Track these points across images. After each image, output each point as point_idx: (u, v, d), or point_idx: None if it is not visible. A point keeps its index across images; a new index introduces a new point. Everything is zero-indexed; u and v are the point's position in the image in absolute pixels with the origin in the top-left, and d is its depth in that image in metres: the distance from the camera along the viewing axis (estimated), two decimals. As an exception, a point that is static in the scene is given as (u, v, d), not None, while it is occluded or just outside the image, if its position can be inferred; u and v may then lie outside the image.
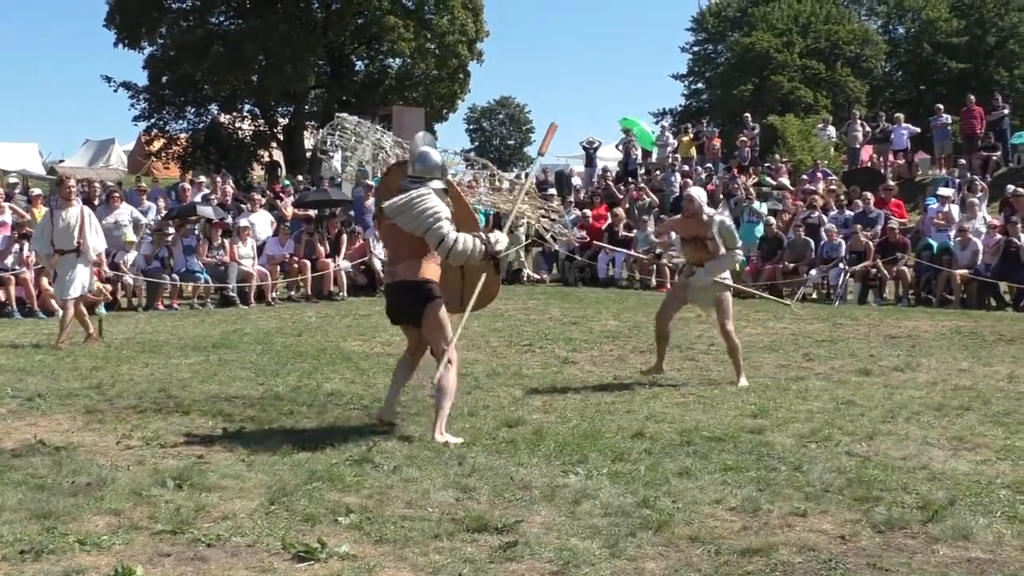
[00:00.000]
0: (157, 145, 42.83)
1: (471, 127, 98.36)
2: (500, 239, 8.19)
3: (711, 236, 10.27)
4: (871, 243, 19.45)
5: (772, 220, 21.13)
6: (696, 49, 65.26)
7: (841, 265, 19.29)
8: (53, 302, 16.43)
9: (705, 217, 10.41)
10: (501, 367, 11.36)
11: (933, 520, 5.76)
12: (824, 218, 21.03)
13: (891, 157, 29.24)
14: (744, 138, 29.89)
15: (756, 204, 22.32)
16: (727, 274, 10.54)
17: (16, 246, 17.09)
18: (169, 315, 17.02)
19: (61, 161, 52.10)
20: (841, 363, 11.73)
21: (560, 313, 16.77)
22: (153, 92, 41.27)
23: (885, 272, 19.06)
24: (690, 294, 10.69)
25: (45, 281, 16.54)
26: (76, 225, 12.85)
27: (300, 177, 30.38)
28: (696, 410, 9.06)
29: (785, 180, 25.96)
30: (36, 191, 20.51)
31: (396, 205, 7.83)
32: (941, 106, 30.14)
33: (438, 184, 8.05)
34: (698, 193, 10.73)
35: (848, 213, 21.41)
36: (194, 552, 5.22)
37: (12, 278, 16.43)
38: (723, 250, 10.34)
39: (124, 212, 19.00)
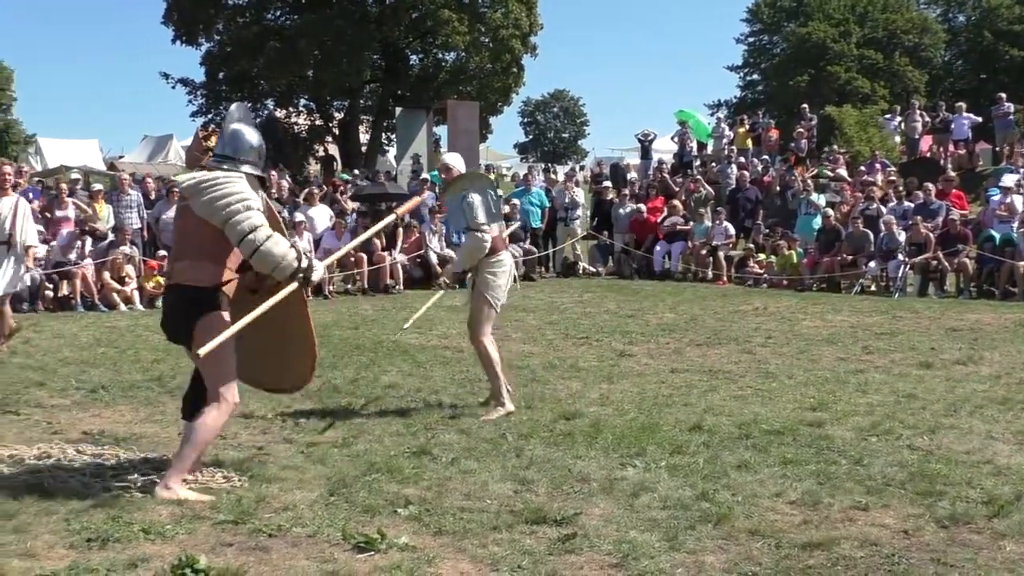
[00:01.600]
0: (214, 140, 43.17)
1: (525, 121, 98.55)
2: (318, 265, 6.39)
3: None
4: (931, 235, 19.20)
5: (830, 212, 20.91)
6: (751, 40, 64.86)
7: (900, 257, 19.05)
8: (115, 295, 16.65)
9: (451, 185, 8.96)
10: (558, 360, 11.34)
11: (999, 515, 5.67)
12: (883, 209, 20.78)
13: (951, 147, 28.84)
14: (801, 129, 29.62)
15: (814, 196, 22.11)
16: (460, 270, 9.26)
17: (78, 241, 17.30)
18: (227, 308, 17.14)
19: (121, 157, 52.82)
20: (901, 356, 11.60)
21: (616, 306, 16.72)
22: (210, 88, 41.75)
23: (946, 264, 18.80)
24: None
25: (107, 275, 16.75)
26: (8, 216, 11.59)
27: (356, 171, 30.54)
28: (754, 403, 9.00)
29: (843, 171, 25.68)
30: (97, 186, 20.76)
31: (194, 183, 6.17)
32: (1003, 95, 29.67)
33: (252, 170, 6.42)
34: (454, 160, 9.13)
35: (908, 204, 21.14)
36: (255, 542, 5.26)
37: (77, 272, 16.63)
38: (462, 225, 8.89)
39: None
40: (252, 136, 6.52)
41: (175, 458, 6.18)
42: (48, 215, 18.20)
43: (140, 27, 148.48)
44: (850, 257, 19.61)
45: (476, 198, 8.62)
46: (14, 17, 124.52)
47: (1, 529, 5.36)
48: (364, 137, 43.83)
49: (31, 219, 11.97)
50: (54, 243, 17.35)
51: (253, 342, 6.51)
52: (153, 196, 20.16)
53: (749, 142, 30.39)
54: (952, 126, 28.66)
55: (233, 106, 7.23)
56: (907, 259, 19.00)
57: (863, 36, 56.70)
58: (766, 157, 28.22)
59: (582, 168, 35.63)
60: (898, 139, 31.12)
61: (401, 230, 20.88)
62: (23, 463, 6.69)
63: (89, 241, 17.60)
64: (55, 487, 6.15)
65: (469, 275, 9.02)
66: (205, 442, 6.28)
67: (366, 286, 19.62)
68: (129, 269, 17.21)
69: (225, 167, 6.30)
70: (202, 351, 5.79)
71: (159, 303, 16.73)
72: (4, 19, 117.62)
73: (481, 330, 8.65)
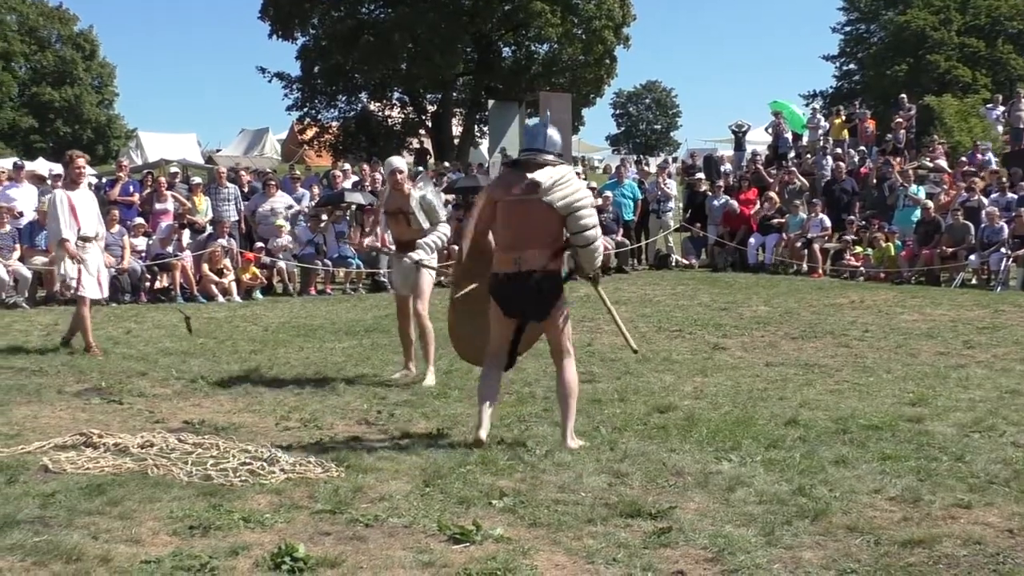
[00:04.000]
0: (309, 133, 43.88)
1: (617, 112, 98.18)
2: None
3: (412, 211, 9.58)
4: (1035, 227, 18.74)
5: (929, 204, 20.50)
6: (848, 29, 63.87)
7: (1003, 250, 18.62)
8: (214, 287, 16.93)
9: (407, 189, 9.63)
10: (651, 352, 11.29)
11: (1106, 514, 5.53)
12: (984, 201, 20.33)
13: (1057, 137, 28.09)
14: (899, 119, 29.08)
15: (913, 188, 21.70)
16: (433, 258, 9.73)
17: (175, 235, 17.61)
18: (322, 300, 17.36)
19: (218, 150, 53.75)
20: (1004, 351, 11.35)
21: (709, 299, 16.59)
22: (305, 82, 42.29)
23: (1050, 257, 18.35)
24: (395, 275, 10.28)
25: (206, 267, 17.05)
26: (92, 210, 11.60)
27: (447, 164, 30.69)
28: (851, 398, 8.88)
29: (943, 162, 25.17)
30: (196, 180, 21.13)
31: (550, 179, 6.88)
32: (1111, 83, 28.84)
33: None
34: (400, 163, 9.92)
35: (1011, 196, 20.64)
36: (353, 532, 5.33)
37: (176, 264, 16.94)
38: (426, 226, 9.55)
39: (280, 200, 19.44)
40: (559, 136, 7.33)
41: (565, 415, 7.09)
42: (148, 208, 18.58)
43: (237, 22, 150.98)
44: (950, 250, 19.21)
45: (434, 196, 9.74)
46: (116, 14, 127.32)
47: (107, 515, 5.50)
48: (457, 129, 44.04)
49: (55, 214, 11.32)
50: (154, 236, 17.71)
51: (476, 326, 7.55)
52: (247, 189, 20.44)
53: (845, 133, 29.92)
54: (1058, 115, 27.90)
55: (542, 109, 8.00)
56: (1010, 252, 18.56)
57: (964, 24, 55.48)
58: (863, 148, 27.74)
59: (675, 160, 35.37)
60: (1001, 129, 30.40)
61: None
62: (127, 451, 6.85)
63: (187, 233, 17.91)
64: (158, 475, 6.30)
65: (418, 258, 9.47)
66: (577, 390, 7.21)
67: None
68: (227, 261, 17.48)
69: (551, 158, 7.03)
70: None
71: (256, 294, 17.06)
72: (107, 16, 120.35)
73: (427, 303, 9.80)
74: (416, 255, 9.41)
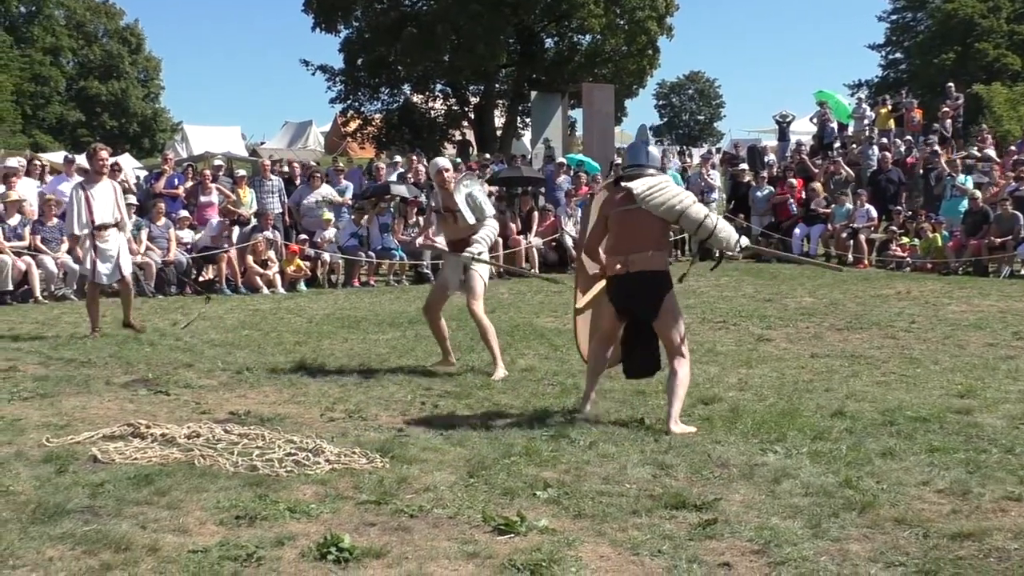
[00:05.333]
0: (353, 126, 44.01)
1: (660, 103, 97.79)
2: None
3: (459, 208, 9.71)
4: (1086, 217, 18.50)
5: (977, 194, 20.28)
6: (894, 17, 63.25)
7: (1052, 240, 18.41)
8: (258, 279, 17.03)
9: (452, 187, 9.78)
10: (695, 344, 11.20)
11: None
12: (1033, 191, 20.08)
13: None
14: (946, 109, 28.77)
15: (960, 178, 21.47)
16: (480, 248, 9.75)
17: (226, 232, 17.71)
18: (366, 292, 17.43)
19: (262, 143, 54.07)
20: (1054, 342, 11.22)
21: (754, 290, 16.51)
22: (349, 74, 42.43)
23: (1101, 247, 18.11)
24: (445, 274, 10.20)
25: (250, 259, 17.15)
26: (112, 200, 11.99)
27: (488, 155, 30.69)
28: (898, 389, 8.80)
29: (991, 151, 24.89)
30: (240, 172, 21.28)
31: (645, 188, 7.50)
32: None
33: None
34: (445, 163, 10.20)
35: (1061, 185, 20.39)
36: (398, 522, 5.34)
37: (222, 256, 17.05)
38: (472, 221, 9.74)
39: (324, 191, 19.54)
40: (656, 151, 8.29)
41: (671, 401, 7.43)
42: (192, 201, 18.72)
43: (281, 16, 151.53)
44: (998, 240, 19.00)
45: (479, 192, 9.96)
46: (161, 8, 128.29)
47: (155, 505, 5.55)
48: (499, 121, 44.03)
49: (71, 207, 11.91)
50: (202, 230, 17.81)
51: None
52: (298, 182, 20.54)
53: (891, 123, 29.65)
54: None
55: (641, 128, 8.81)
56: (1060, 242, 18.33)
57: (1014, 11, 54.75)
58: (909, 138, 27.49)
59: (718, 150, 35.18)
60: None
61: (536, 214, 20.92)
62: (174, 442, 6.90)
63: (236, 230, 18.00)
64: (204, 466, 6.35)
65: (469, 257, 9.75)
66: (687, 388, 7.64)
67: (502, 270, 19.70)
68: (271, 253, 17.59)
69: (652, 172, 7.75)
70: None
71: (300, 286, 17.16)
72: (152, 11, 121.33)
73: (482, 303, 9.76)
74: (472, 250, 9.62)
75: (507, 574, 4.66)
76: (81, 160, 22.44)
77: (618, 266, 7.55)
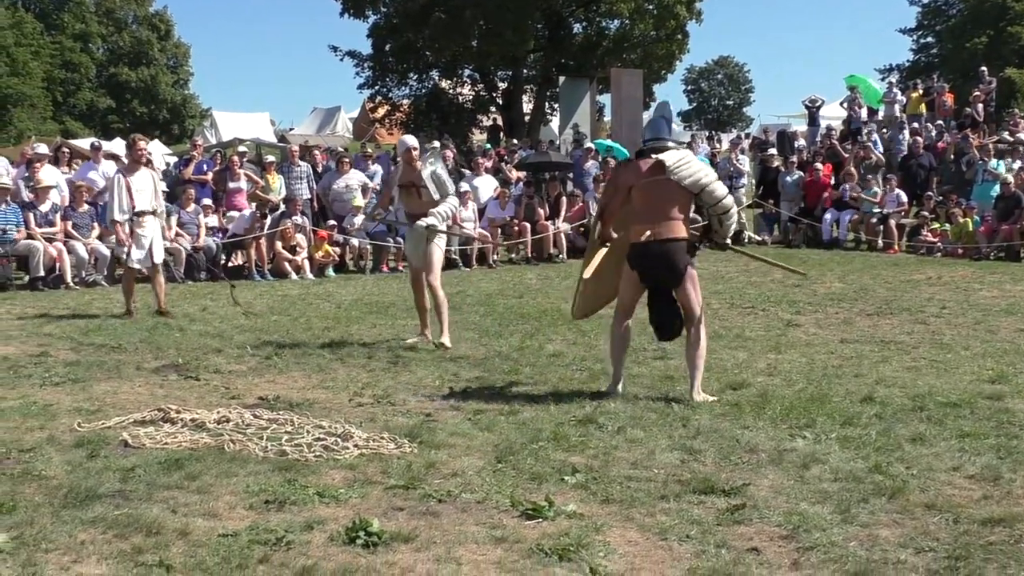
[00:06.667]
0: (381, 112, 44.04)
1: (689, 88, 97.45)
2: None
3: (423, 183, 10.26)
4: (1119, 201, 18.30)
5: (1010, 178, 20.10)
6: (926, 1, 62.61)
7: (1085, 225, 18.23)
8: (287, 265, 17.08)
9: (419, 164, 10.38)
10: (723, 329, 11.22)
11: None
12: (1067, 175, 19.88)
13: None
14: (978, 93, 28.50)
15: (992, 163, 21.28)
16: (437, 220, 10.28)
17: (258, 224, 17.73)
18: (394, 277, 17.44)
19: (291, 129, 54.23)
20: (1087, 327, 11.13)
21: (782, 275, 16.42)
22: (377, 60, 42.38)
23: None
24: (407, 245, 10.77)
25: (279, 245, 17.20)
26: (150, 188, 12.55)
27: (516, 141, 30.64)
28: (929, 375, 8.76)
29: None
30: (269, 158, 21.33)
31: (675, 161, 7.84)
32: None
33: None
34: (413, 141, 10.73)
35: (1093, 170, 20.18)
36: (426, 507, 5.36)
37: (251, 242, 17.10)
38: (437, 197, 10.31)
39: (353, 177, 19.56)
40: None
41: (693, 372, 7.86)
42: (221, 187, 18.77)
43: (309, 1, 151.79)
44: (1031, 225, 18.84)
45: (443, 171, 10.57)
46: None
47: (186, 490, 5.58)
48: (527, 106, 43.94)
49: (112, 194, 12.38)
50: (233, 217, 17.85)
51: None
52: (320, 168, 20.59)
53: (923, 107, 29.41)
54: None
55: (661, 104, 8.98)
56: (1092, 226, 18.16)
57: (1047, -6, 54.19)
58: (940, 123, 27.26)
59: (747, 136, 34.99)
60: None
61: (565, 199, 20.89)
62: (204, 427, 6.94)
63: (269, 220, 18.02)
64: (234, 450, 6.38)
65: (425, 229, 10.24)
66: (706, 351, 8.02)
67: (530, 255, 19.72)
68: (300, 239, 17.63)
69: (673, 145, 8.12)
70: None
71: (329, 272, 17.20)
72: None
73: (438, 275, 10.35)
74: (427, 220, 10.19)
75: (535, 559, 4.67)
76: (109, 147, 22.61)
77: (648, 233, 7.76)
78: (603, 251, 8.42)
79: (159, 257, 12.56)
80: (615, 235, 8.28)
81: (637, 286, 8.00)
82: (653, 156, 7.91)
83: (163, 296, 12.55)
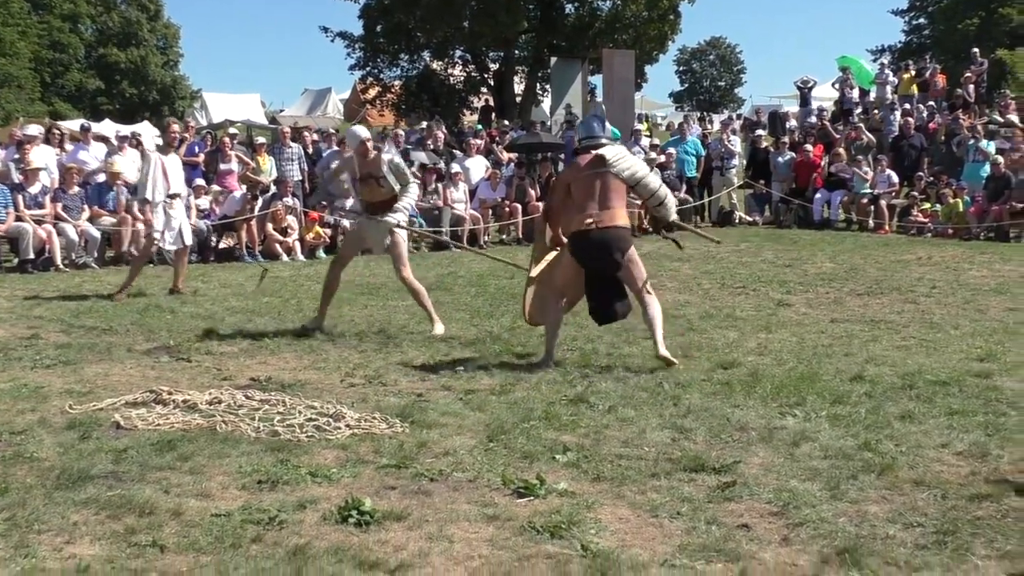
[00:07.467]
0: (372, 93, 43.90)
1: (680, 69, 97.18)
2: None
3: (383, 174, 10.10)
4: (1109, 181, 18.33)
5: (1000, 159, 20.12)
6: (918, -18, 62.52)
7: (1075, 204, 18.25)
8: (278, 246, 17.04)
9: (372, 156, 10.20)
10: (714, 309, 11.26)
11: None
12: (1056, 156, 19.88)
13: None
14: (969, 74, 28.49)
15: (983, 143, 21.29)
16: (403, 216, 10.41)
17: (248, 205, 17.68)
18: (385, 258, 17.35)
19: (281, 111, 54.06)
20: (1076, 306, 11.17)
21: (774, 255, 16.48)
22: (368, 41, 42.23)
23: (1124, 211, 17.96)
24: (368, 237, 10.54)
25: (270, 226, 17.17)
26: (179, 172, 13.03)
27: (507, 122, 30.58)
28: (918, 354, 8.80)
29: (1014, 117, 24.68)
30: (260, 140, 21.28)
31: (614, 155, 8.41)
32: None
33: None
34: (365, 133, 10.65)
35: (1082, 150, 20.17)
36: (418, 486, 5.38)
37: (242, 224, 17.06)
38: (397, 188, 10.21)
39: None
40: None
41: (654, 332, 8.23)
42: (212, 168, 18.71)
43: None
44: (1020, 205, 18.88)
45: (400, 159, 10.66)
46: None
47: (178, 471, 5.60)
48: (519, 87, 43.83)
49: (157, 175, 12.55)
50: (226, 204, 17.80)
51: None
52: (311, 150, 20.51)
53: (914, 88, 29.40)
54: None
55: (594, 104, 9.36)
56: (1081, 206, 18.18)
57: (1039, -25, 54.12)
58: (932, 104, 27.26)
59: (739, 116, 34.97)
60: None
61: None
62: (196, 408, 6.95)
63: (260, 202, 17.98)
64: (226, 431, 6.39)
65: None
66: (661, 317, 8.35)
67: (521, 236, 19.71)
68: (291, 220, 17.61)
69: (606, 142, 8.66)
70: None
71: (320, 253, 17.19)
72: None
73: (408, 267, 10.32)
74: (393, 217, 10.23)
75: (526, 536, 4.69)
76: (99, 128, 22.52)
77: (588, 220, 8.18)
78: (552, 255, 8.88)
79: (189, 239, 13.07)
80: (564, 239, 8.58)
81: (577, 270, 8.40)
82: (592, 152, 8.43)
83: (183, 276, 13.01)
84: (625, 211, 8.44)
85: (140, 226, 15.78)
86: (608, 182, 8.30)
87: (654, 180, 8.68)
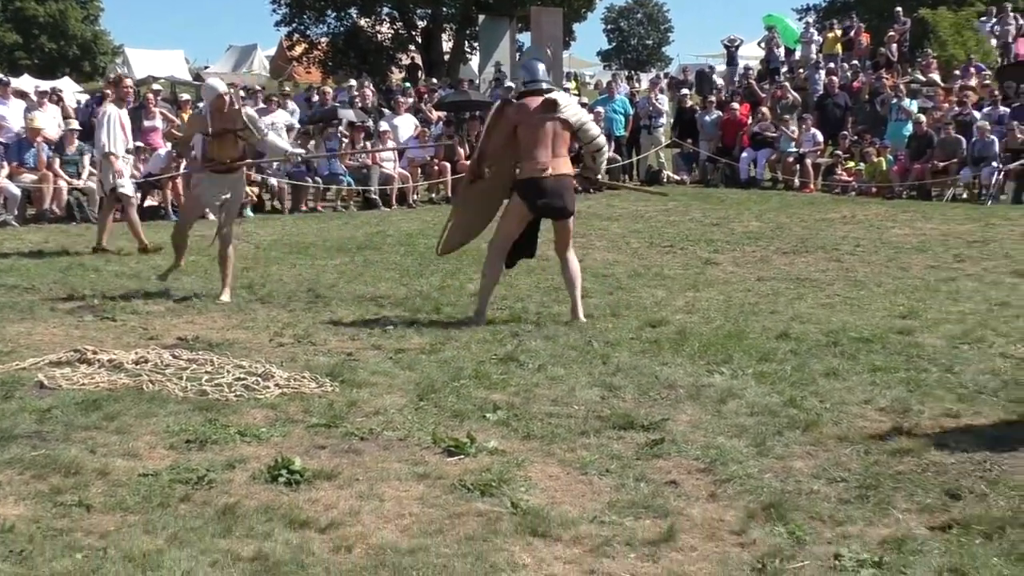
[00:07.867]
0: (298, 50, 43.34)
1: (608, 27, 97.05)
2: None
3: (242, 128, 9.84)
4: (1028, 140, 18.65)
5: (922, 118, 20.41)
6: (842, -59, 62.93)
7: (994, 164, 18.59)
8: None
9: (229, 110, 9.98)
10: (642, 268, 11.33)
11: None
12: (977, 115, 20.21)
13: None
14: (893, 33, 28.79)
15: (905, 102, 21.57)
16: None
17: (174, 163, 17.42)
18: (313, 217, 17.31)
19: (206, 67, 53.17)
20: (994, 264, 11.41)
21: (701, 214, 16.60)
22: (294, -4, 41.61)
23: (1042, 170, 18.30)
24: (203, 195, 10.44)
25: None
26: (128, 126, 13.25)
27: (435, 80, 30.39)
28: (843, 311, 8.94)
29: (936, 76, 25.02)
30: (184, 96, 20.94)
31: (565, 101, 8.50)
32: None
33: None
34: (224, 87, 10.58)
35: (1003, 109, 20.53)
36: (348, 445, 5.38)
37: (167, 182, 16.81)
38: (259, 137, 10.09)
39: (280, 116, 19.23)
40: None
41: (573, 295, 8.48)
42: (136, 125, 18.38)
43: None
44: (942, 164, 19.18)
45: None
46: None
47: (104, 430, 5.53)
48: (447, 45, 43.56)
49: (115, 128, 12.70)
50: (149, 158, 17.53)
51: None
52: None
53: (839, 47, 29.65)
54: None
55: (532, 47, 9.29)
56: (1001, 165, 18.53)
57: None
58: (856, 63, 27.52)
59: (667, 75, 35.04)
60: (994, 42, 30.11)
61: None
62: (122, 367, 6.87)
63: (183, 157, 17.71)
64: (153, 391, 6.33)
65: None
66: (580, 276, 8.58)
67: (450, 195, 19.65)
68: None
69: (548, 86, 8.57)
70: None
71: (247, 212, 17.00)
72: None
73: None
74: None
75: (457, 494, 4.71)
76: (18, 83, 22.02)
77: (541, 168, 8.19)
78: (471, 185, 8.96)
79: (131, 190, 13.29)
80: (486, 171, 8.65)
81: (525, 219, 8.47)
82: (543, 96, 8.34)
83: (141, 232, 13.03)
84: (569, 159, 8.51)
85: (62, 183, 15.59)
86: (557, 128, 8.31)
87: (595, 127, 8.82)
